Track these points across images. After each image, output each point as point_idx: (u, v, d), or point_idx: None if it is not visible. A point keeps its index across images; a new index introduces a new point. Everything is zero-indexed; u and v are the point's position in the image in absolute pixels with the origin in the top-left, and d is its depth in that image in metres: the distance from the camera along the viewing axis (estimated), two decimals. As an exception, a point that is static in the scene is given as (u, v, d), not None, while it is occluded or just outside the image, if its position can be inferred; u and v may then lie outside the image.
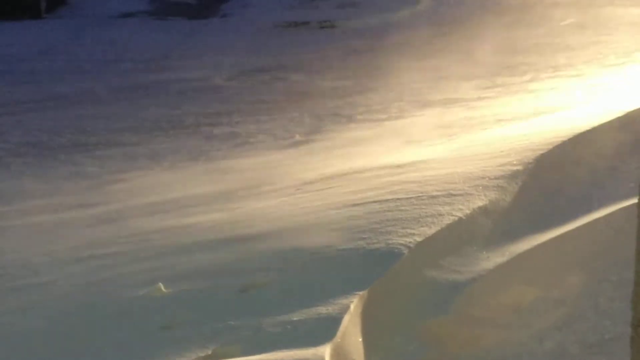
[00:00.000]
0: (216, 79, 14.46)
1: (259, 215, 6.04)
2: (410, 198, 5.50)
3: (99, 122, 11.88)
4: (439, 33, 17.05)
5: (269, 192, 7.09)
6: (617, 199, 5.41)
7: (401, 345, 4.21)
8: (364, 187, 6.21)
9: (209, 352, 3.89)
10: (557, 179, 5.95)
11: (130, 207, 7.50)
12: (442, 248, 4.87)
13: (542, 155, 6.11)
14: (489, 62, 13.55)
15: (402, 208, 5.30)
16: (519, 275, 4.75)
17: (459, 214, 5.16)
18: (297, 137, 10.17)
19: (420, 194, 5.54)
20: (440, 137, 8.50)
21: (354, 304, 4.14)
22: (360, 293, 4.24)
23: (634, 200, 3.33)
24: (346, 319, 4.02)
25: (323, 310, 4.09)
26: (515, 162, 5.99)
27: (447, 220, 5.07)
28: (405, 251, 4.65)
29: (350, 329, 4.03)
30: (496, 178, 5.73)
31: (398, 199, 5.54)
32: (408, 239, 4.78)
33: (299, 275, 4.56)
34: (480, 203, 5.35)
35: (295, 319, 4.06)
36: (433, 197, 5.45)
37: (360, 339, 4.08)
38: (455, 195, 5.45)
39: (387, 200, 5.55)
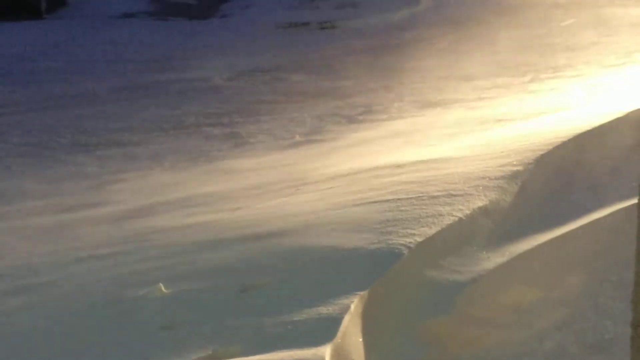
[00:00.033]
0: (216, 79, 14.46)
1: (259, 216, 6.04)
2: (411, 198, 5.50)
3: (99, 122, 11.89)
4: (439, 33, 17.06)
5: (269, 192, 7.09)
6: (617, 199, 5.42)
7: (401, 346, 4.21)
8: (364, 188, 6.22)
9: (209, 352, 3.89)
10: (557, 179, 5.95)
11: (130, 208, 7.50)
12: (443, 248, 4.87)
13: (543, 155, 6.11)
14: (489, 62, 13.56)
15: (403, 208, 5.31)
16: (519, 276, 4.76)
17: (459, 214, 5.16)
18: (297, 138, 10.17)
19: (420, 194, 5.55)
20: (440, 137, 8.50)
21: (354, 304, 4.14)
22: (361, 293, 4.24)
23: (634, 201, 3.34)
24: (346, 319, 4.02)
25: (323, 310, 4.09)
26: (515, 163, 5.99)
27: (448, 220, 5.07)
28: (406, 251, 4.65)
29: (351, 329, 4.03)
30: (496, 178, 5.73)
31: (398, 199, 5.54)
32: (408, 239, 4.78)
33: (299, 275, 4.56)
34: (480, 203, 5.35)
35: (295, 319, 4.06)
36: (433, 197, 5.46)
37: (361, 339, 4.08)
38: (455, 195, 5.45)
39: (387, 201, 5.55)
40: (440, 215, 5.12)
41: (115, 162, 9.80)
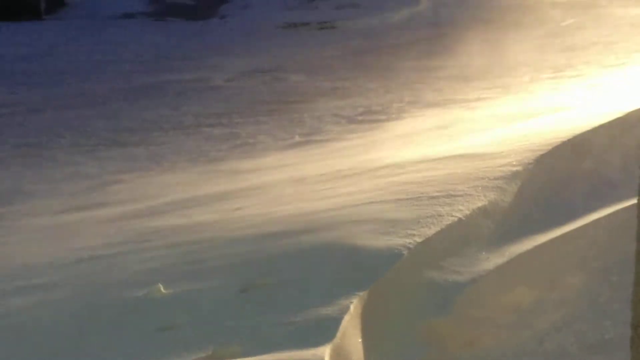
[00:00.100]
0: (216, 80, 14.47)
1: (259, 216, 6.04)
2: (410, 199, 5.50)
3: (99, 122, 11.89)
4: (438, 34, 17.06)
5: (269, 192, 7.09)
6: (617, 199, 5.42)
7: (401, 346, 4.21)
8: (364, 188, 6.22)
9: (209, 352, 3.89)
10: (556, 179, 5.95)
11: (130, 208, 7.50)
12: (442, 249, 4.87)
13: (542, 156, 6.11)
14: (489, 62, 13.56)
15: (402, 209, 5.31)
16: (519, 276, 4.76)
17: (459, 215, 5.16)
18: (297, 138, 10.17)
19: (420, 195, 5.55)
20: (440, 137, 8.50)
21: (354, 304, 4.14)
22: (361, 293, 4.24)
23: (634, 201, 3.33)
24: (346, 319, 4.01)
25: (323, 310, 4.09)
26: (515, 163, 5.99)
27: (447, 221, 5.07)
28: (405, 252, 4.65)
29: (350, 329, 4.03)
30: (496, 179, 5.73)
31: (398, 199, 5.54)
32: (408, 240, 4.78)
33: (299, 276, 4.56)
34: (480, 204, 5.35)
35: (295, 319, 4.06)
36: (433, 197, 5.46)
37: (360, 340, 4.08)
38: (455, 196, 5.45)
39: (387, 201, 5.55)
40: (440, 215, 5.12)
41: (115, 163, 9.80)
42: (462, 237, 5.03)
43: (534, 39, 15.40)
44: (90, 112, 12.56)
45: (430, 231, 4.92)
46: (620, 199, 5.36)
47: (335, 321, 3.99)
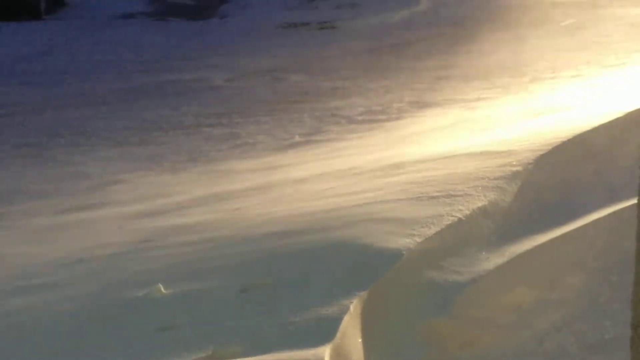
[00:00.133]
0: (216, 80, 14.47)
1: (258, 216, 6.04)
2: (410, 199, 5.50)
3: (99, 122, 11.89)
4: (438, 34, 17.06)
5: (269, 192, 7.09)
6: (617, 199, 5.41)
7: (401, 346, 4.21)
8: (364, 188, 6.22)
9: (209, 352, 3.89)
10: (556, 179, 5.95)
11: (129, 208, 7.50)
12: (442, 249, 4.87)
13: (542, 156, 6.11)
14: (489, 62, 13.56)
15: (402, 209, 5.31)
16: (519, 276, 4.75)
17: (459, 215, 5.16)
18: (297, 138, 10.17)
19: (420, 195, 5.55)
20: (440, 137, 8.50)
21: (354, 304, 4.14)
22: (360, 293, 4.24)
23: (634, 201, 3.33)
24: (346, 319, 4.01)
25: (323, 310, 4.09)
26: (515, 163, 5.99)
27: (447, 221, 5.07)
28: (405, 252, 4.65)
29: (350, 329, 4.03)
30: (496, 179, 5.73)
31: (398, 199, 5.54)
32: (408, 240, 4.78)
33: (299, 276, 4.56)
34: (480, 204, 5.35)
35: (295, 319, 4.06)
36: (433, 197, 5.46)
37: (360, 340, 4.08)
38: (455, 195, 5.45)
39: (387, 201, 5.55)
40: (440, 215, 5.12)
41: (115, 163, 9.80)
42: (462, 237, 5.03)
43: (534, 38, 15.40)
44: (90, 112, 12.56)
45: (430, 231, 4.91)
46: (620, 199, 5.36)
47: (335, 321, 3.99)
